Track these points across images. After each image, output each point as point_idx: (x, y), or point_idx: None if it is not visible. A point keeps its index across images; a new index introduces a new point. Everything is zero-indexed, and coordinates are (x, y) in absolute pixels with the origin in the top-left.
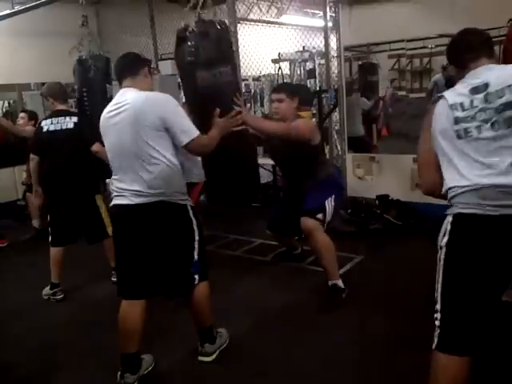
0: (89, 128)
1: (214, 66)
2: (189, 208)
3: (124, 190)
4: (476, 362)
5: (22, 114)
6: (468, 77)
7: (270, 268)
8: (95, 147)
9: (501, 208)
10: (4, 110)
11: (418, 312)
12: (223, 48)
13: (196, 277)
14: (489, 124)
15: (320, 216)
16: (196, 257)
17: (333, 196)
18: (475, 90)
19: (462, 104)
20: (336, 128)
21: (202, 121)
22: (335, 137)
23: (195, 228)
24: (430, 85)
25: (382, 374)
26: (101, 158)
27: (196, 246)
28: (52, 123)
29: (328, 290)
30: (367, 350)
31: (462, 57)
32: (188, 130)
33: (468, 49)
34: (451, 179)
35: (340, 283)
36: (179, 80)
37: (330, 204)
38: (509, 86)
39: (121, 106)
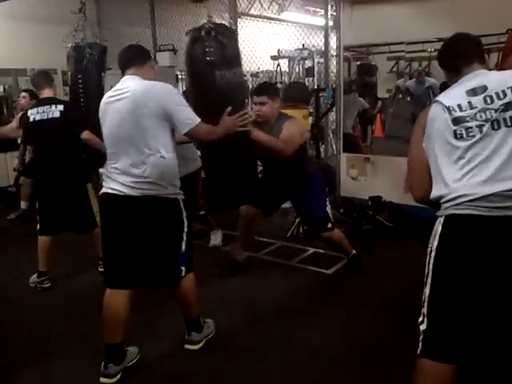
0: (75, 116)
1: (232, 65)
2: (180, 200)
3: (117, 177)
4: (464, 373)
5: (23, 94)
6: (462, 80)
7: (259, 264)
8: (85, 135)
9: (495, 209)
10: None
11: (403, 314)
12: (237, 50)
13: (183, 268)
14: (489, 123)
15: (330, 225)
16: (183, 248)
17: (327, 199)
18: (473, 92)
19: (459, 105)
20: (332, 127)
21: (213, 120)
22: (331, 136)
23: (184, 219)
24: (394, 89)
25: (365, 374)
26: (92, 145)
27: (184, 237)
28: (38, 112)
29: (348, 263)
30: (350, 350)
31: (456, 62)
32: (189, 118)
33: (461, 54)
34: (444, 184)
35: (354, 252)
36: (177, 73)
37: (329, 208)
38: (510, 87)
39: (122, 93)
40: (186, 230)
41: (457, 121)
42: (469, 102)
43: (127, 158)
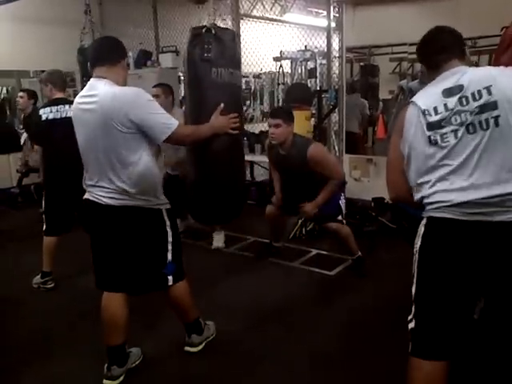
0: None
1: (230, 66)
2: (163, 210)
3: (94, 187)
4: (454, 367)
5: (21, 93)
6: (440, 78)
7: (263, 266)
8: None
9: (471, 215)
10: (2, 96)
11: (405, 316)
12: (236, 52)
13: (170, 278)
14: (464, 127)
15: (340, 217)
16: (170, 258)
17: (342, 194)
18: (449, 92)
19: (435, 108)
20: (334, 129)
21: (205, 120)
22: (333, 137)
23: (168, 230)
24: (396, 90)
25: (366, 375)
26: None
27: (169, 247)
28: (51, 111)
29: (352, 265)
30: (352, 351)
31: (434, 57)
32: (165, 124)
33: (441, 49)
34: (424, 187)
35: (360, 253)
36: (179, 74)
37: (342, 202)
38: (486, 87)
39: (91, 102)
40: (170, 240)
41: (431, 126)
42: (445, 104)
43: (103, 169)
